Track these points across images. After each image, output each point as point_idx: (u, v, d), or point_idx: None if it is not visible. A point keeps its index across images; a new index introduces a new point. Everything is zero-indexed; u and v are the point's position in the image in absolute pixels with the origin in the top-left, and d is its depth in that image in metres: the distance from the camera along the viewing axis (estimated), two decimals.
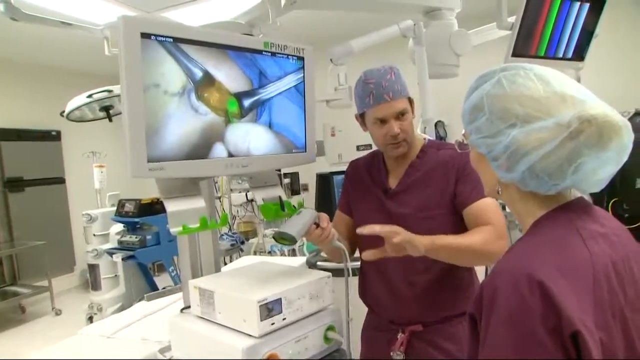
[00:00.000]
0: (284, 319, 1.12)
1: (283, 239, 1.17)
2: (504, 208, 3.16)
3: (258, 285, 1.17)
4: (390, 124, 1.32)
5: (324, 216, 1.27)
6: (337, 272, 1.49)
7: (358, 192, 1.49)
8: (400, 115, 1.32)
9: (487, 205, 1.27)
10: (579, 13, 2.19)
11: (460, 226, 1.29)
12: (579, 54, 2.36)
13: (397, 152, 1.36)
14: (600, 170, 0.70)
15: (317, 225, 1.23)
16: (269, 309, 1.08)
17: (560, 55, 2.26)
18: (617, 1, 3.63)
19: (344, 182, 1.58)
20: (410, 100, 1.36)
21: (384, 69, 1.33)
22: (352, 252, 1.45)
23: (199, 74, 1.17)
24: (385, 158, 1.45)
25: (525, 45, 2.21)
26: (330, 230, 1.25)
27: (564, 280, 0.64)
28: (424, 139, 1.44)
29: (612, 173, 0.72)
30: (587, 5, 2.19)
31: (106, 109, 3.28)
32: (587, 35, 2.30)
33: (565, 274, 0.65)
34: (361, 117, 1.40)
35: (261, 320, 1.06)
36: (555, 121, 0.69)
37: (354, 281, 1.41)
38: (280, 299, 1.11)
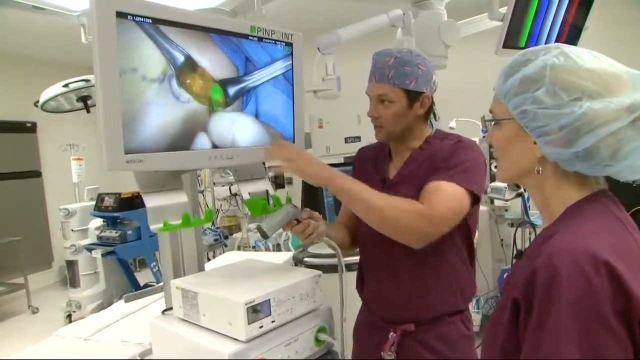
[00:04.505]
0: (272, 321, 1.05)
1: (261, 231, 1.17)
2: (492, 202, 3.16)
3: (245, 286, 1.10)
4: (371, 104, 1.30)
5: (307, 211, 1.24)
6: (326, 269, 1.44)
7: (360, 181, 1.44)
8: (386, 101, 1.26)
9: (440, 188, 1.17)
10: (559, 4, 2.18)
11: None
12: None
13: (376, 136, 1.33)
14: None
15: (298, 221, 1.21)
16: (257, 311, 1.01)
17: None
18: None
19: (352, 169, 1.53)
20: (410, 93, 1.26)
21: (390, 52, 1.27)
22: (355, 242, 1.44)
23: (180, 58, 1.09)
24: (391, 147, 1.39)
25: (514, 36, 2.19)
26: (312, 226, 1.21)
27: (623, 262, 0.62)
28: (432, 129, 1.38)
29: None
30: None
31: (84, 99, 3.17)
32: (574, 28, 2.28)
33: (622, 257, 0.63)
34: None
35: (248, 324, 0.99)
36: (624, 100, 0.68)
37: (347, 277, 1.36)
38: (269, 300, 1.04)
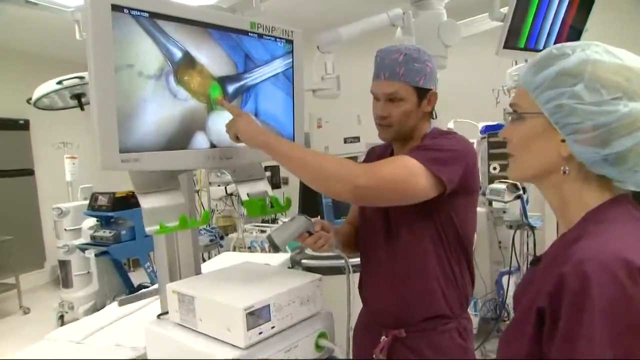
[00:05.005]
0: (272, 327, 1.01)
1: (272, 244, 1.13)
2: (490, 204, 3.13)
3: (243, 290, 1.07)
4: (379, 103, 1.24)
5: (318, 223, 1.21)
6: (324, 271, 1.41)
7: None
8: (396, 99, 1.22)
9: (393, 158, 1.15)
10: (559, 5, 2.16)
11: (444, 215, 1.22)
12: None
13: (381, 136, 1.29)
14: None
15: (310, 233, 1.18)
16: (257, 316, 0.97)
17: (541, 48, 2.23)
18: None
19: None
20: (419, 90, 1.23)
21: (397, 49, 1.23)
22: None
23: (178, 54, 1.05)
24: (394, 147, 1.36)
25: (515, 37, 2.17)
26: (324, 238, 1.19)
27: None
28: (431, 127, 1.35)
29: None
30: None
31: (78, 96, 3.12)
32: (575, 30, 2.27)
33: None
34: None
35: (248, 330, 0.95)
36: None
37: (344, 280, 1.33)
38: (269, 305, 1.00)
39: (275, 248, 1.12)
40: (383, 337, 1.28)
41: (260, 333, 0.98)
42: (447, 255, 1.25)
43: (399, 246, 1.26)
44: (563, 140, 0.70)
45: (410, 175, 1.09)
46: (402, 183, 1.09)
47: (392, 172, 1.09)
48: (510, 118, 0.78)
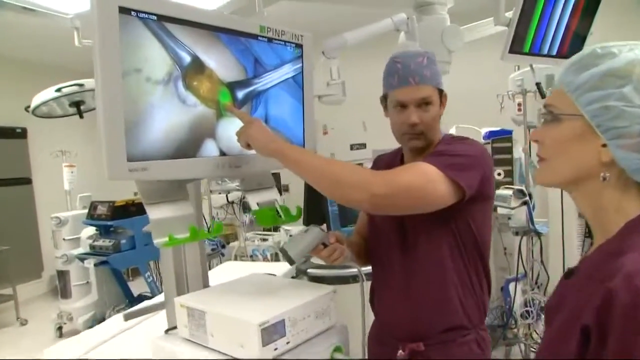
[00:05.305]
0: (287, 342, 0.97)
1: (287, 257, 1.08)
2: (495, 210, 3.10)
3: (257, 304, 1.02)
4: (409, 110, 1.18)
5: (332, 235, 1.17)
6: (331, 280, 1.37)
7: None
8: (423, 104, 1.18)
9: (410, 165, 1.11)
10: (563, 10, 2.15)
11: (461, 222, 1.18)
12: (574, 53, 2.30)
13: (411, 144, 1.23)
14: None
15: (325, 245, 1.14)
16: (272, 332, 0.93)
17: (545, 53, 2.21)
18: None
19: None
20: (442, 93, 1.22)
21: (417, 52, 1.21)
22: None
23: (187, 59, 1.01)
24: (404, 153, 1.32)
25: (520, 41, 2.15)
26: (339, 251, 1.16)
27: None
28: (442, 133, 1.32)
29: None
30: (572, 1, 2.13)
31: (77, 104, 3.08)
32: (579, 34, 2.25)
33: None
34: (385, 100, 1.27)
35: (263, 346, 0.91)
36: None
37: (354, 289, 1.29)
38: (284, 320, 0.96)
39: (289, 261, 1.07)
40: (400, 351, 1.23)
41: (276, 349, 0.94)
42: (465, 263, 1.21)
43: (415, 256, 1.22)
44: (604, 145, 0.66)
45: (428, 182, 1.05)
46: (420, 190, 1.05)
47: (409, 179, 1.05)
48: (543, 119, 0.74)
